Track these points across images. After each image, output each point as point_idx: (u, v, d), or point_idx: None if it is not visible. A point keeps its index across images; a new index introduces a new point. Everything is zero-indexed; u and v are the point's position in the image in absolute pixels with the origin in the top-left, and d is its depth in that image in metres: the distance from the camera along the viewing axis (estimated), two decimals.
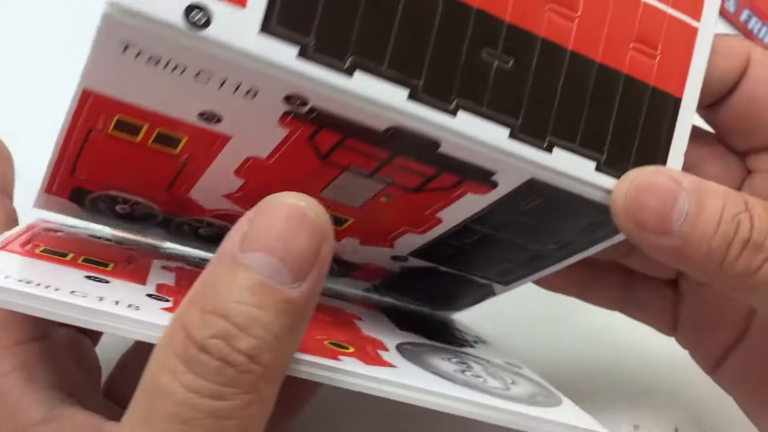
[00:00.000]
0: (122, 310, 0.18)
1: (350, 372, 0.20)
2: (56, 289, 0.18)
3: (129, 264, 0.23)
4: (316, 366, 0.19)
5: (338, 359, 0.20)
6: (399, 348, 0.24)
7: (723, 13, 0.47)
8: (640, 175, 0.21)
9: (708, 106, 0.24)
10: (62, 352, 0.21)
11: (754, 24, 0.45)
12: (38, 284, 0.18)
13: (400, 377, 0.20)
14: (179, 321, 0.17)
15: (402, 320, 0.28)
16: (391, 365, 0.21)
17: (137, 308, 0.19)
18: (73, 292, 0.18)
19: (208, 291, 0.17)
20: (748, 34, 0.46)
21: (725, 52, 0.23)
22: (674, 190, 0.21)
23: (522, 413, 0.21)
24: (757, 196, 0.22)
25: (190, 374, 0.16)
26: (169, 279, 0.23)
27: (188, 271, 0.25)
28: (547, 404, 0.23)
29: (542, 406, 0.23)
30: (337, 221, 0.24)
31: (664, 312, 0.28)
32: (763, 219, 0.21)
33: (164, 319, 0.18)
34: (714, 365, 0.28)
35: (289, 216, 0.17)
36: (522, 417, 0.21)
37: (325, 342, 0.21)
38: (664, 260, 0.22)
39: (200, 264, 0.26)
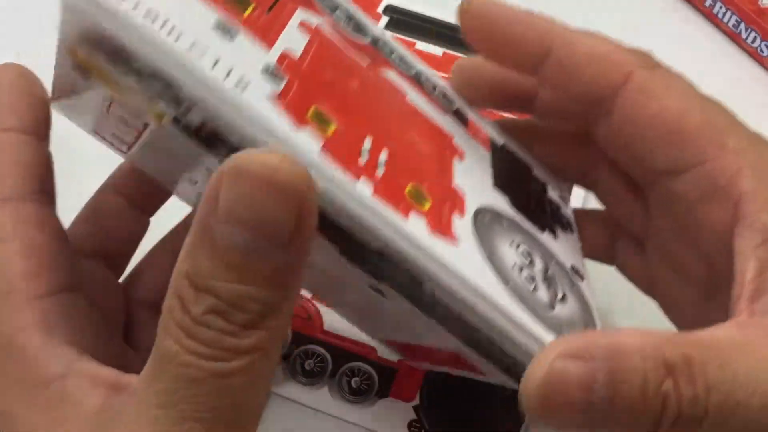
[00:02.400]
0: (229, 89, 0.17)
1: (408, 237, 0.19)
2: (177, 38, 0.17)
3: (269, 11, 0.20)
4: (379, 217, 0.18)
5: (407, 217, 0.19)
6: (477, 216, 0.22)
7: None
8: (542, 370, 0.17)
9: (586, 120, 0.23)
10: (83, 303, 0.20)
11: (718, 9, 0.46)
12: (163, 23, 0.17)
13: (452, 259, 0.19)
14: (175, 291, 0.16)
15: (502, 171, 0.25)
16: (453, 240, 0.20)
17: (244, 87, 0.17)
18: (192, 45, 0.17)
19: (196, 265, 0.16)
20: (712, 19, 0.46)
21: (603, 64, 0.22)
22: (587, 388, 0.16)
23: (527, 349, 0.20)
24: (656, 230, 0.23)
25: (191, 340, 0.16)
26: (298, 43, 0.20)
27: (323, 37, 0.21)
28: None
29: None
30: None
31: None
32: (690, 382, 0.16)
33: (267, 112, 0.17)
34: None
35: (257, 181, 0.15)
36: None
37: (406, 188, 0.20)
38: None
39: (348, 27, 0.23)
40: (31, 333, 0.18)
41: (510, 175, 0.25)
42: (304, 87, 0.19)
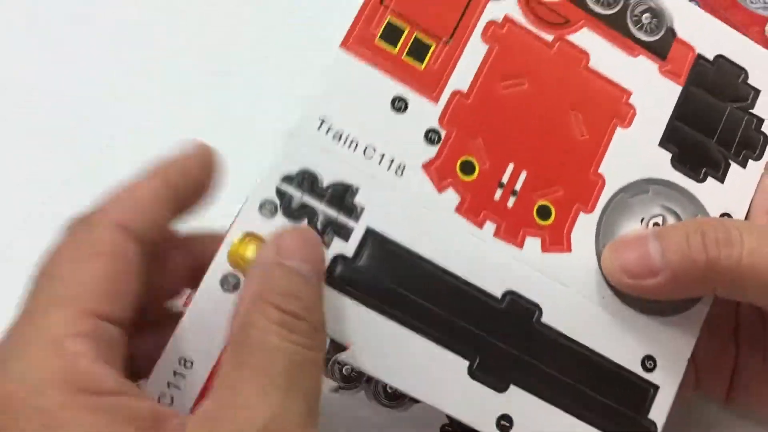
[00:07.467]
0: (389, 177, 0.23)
1: (519, 262, 0.24)
2: (352, 146, 0.23)
3: (450, 40, 0.24)
4: (495, 256, 0.24)
5: (521, 246, 0.24)
6: (608, 205, 0.25)
7: None
8: (614, 241, 0.26)
9: None
10: (120, 339, 0.21)
11: None
12: (344, 141, 0.23)
13: (555, 271, 0.24)
14: (260, 297, 0.21)
15: (691, 105, 0.26)
16: (565, 248, 0.25)
17: (402, 172, 0.23)
18: (366, 149, 0.23)
19: (270, 283, 0.21)
20: None
21: None
22: (642, 237, 0.25)
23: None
24: None
25: (295, 335, 0.21)
26: (472, 67, 0.24)
27: (508, 31, 0.24)
28: None
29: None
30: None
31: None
32: (717, 224, 0.25)
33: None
34: (727, 392, 0.30)
35: (304, 236, 0.23)
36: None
37: (535, 207, 0.24)
38: (667, 297, 0.25)
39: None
40: (85, 343, 0.19)
41: (700, 106, 0.26)
42: (462, 134, 0.24)
